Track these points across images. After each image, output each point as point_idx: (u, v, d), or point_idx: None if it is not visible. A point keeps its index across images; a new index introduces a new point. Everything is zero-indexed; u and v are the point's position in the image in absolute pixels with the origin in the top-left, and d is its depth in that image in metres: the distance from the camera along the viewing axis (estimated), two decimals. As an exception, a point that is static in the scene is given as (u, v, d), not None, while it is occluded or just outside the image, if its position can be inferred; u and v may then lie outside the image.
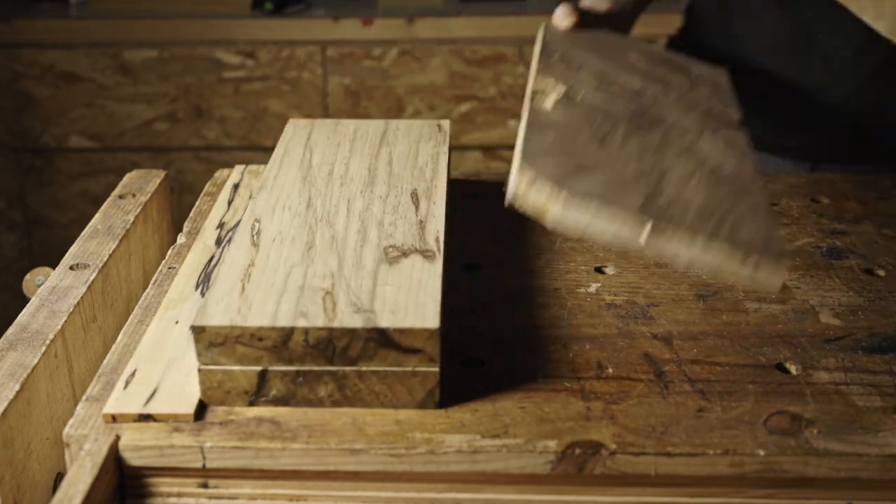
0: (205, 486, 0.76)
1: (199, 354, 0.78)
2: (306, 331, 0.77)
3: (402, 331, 0.77)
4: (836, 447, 0.75)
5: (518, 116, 2.38)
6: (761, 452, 0.75)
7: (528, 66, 2.32)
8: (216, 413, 0.78)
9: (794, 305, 0.94)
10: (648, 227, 0.77)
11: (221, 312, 0.78)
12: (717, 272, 0.79)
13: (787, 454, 0.75)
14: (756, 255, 0.78)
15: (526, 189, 0.78)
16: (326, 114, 2.38)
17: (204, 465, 0.75)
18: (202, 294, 0.92)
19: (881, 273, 1.01)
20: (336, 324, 0.77)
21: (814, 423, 0.78)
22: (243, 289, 0.81)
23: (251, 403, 0.79)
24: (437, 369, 0.78)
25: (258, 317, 0.78)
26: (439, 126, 1.15)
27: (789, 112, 1.36)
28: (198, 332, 0.77)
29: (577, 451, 0.75)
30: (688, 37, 1.47)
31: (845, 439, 0.76)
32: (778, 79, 1.33)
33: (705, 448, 0.75)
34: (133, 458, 0.75)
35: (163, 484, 0.76)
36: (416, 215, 0.94)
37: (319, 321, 0.77)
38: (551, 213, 0.78)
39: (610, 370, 0.84)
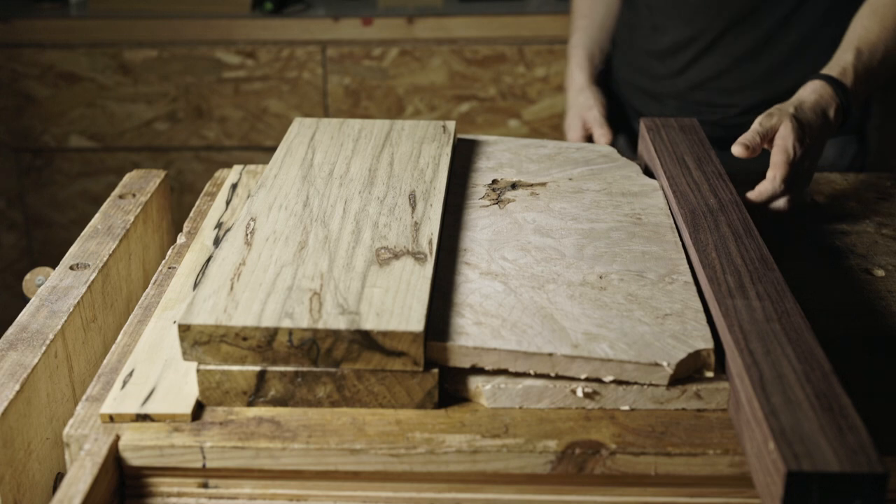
0: (205, 485, 0.76)
1: (183, 352, 0.78)
2: (290, 331, 0.76)
3: (385, 333, 0.76)
4: (835, 447, 0.75)
5: (518, 116, 2.38)
6: (761, 452, 0.74)
7: (528, 65, 2.32)
8: (216, 413, 0.78)
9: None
10: None
11: (207, 311, 0.78)
12: None
13: (787, 454, 0.74)
14: None
15: None
16: (326, 113, 2.38)
17: (204, 465, 0.75)
18: (201, 294, 0.92)
19: (881, 273, 1.01)
20: (320, 325, 0.77)
21: (813, 423, 0.77)
22: (232, 288, 0.81)
23: (250, 404, 0.79)
24: (435, 370, 0.78)
25: (243, 316, 0.77)
26: (444, 127, 1.15)
27: None
28: (183, 329, 0.77)
29: (577, 451, 0.75)
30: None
31: (845, 439, 0.76)
32: None
33: (705, 448, 0.75)
34: (133, 458, 0.75)
35: (163, 484, 0.76)
36: (412, 217, 0.93)
37: (304, 322, 0.77)
38: None
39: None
